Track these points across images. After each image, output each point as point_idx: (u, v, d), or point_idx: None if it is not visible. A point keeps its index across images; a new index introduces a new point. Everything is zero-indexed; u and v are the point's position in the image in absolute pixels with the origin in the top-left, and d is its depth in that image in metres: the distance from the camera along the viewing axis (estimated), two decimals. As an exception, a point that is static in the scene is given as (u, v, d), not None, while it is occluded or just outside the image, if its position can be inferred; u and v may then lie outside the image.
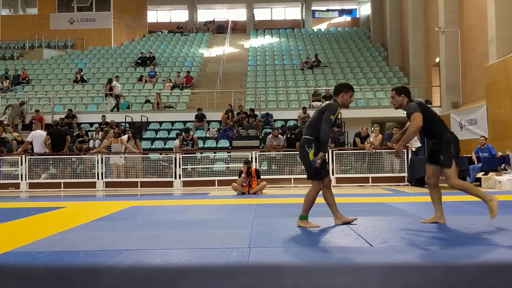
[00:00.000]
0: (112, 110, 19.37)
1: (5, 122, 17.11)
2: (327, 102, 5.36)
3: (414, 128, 5.06)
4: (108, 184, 13.27)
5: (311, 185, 5.22)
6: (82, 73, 22.85)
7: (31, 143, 13.82)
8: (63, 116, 17.99)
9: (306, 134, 5.15)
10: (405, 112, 5.26)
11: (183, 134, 14.42)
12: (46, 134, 13.74)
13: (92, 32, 29.48)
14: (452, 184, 5.06)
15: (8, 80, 22.38)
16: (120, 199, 9.59)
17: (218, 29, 33.90)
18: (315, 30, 31.60)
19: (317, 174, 5.05)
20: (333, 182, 12.86)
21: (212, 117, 18.71)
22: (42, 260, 3.62)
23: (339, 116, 5.34)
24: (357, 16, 35.22)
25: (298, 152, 5.37)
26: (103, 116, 18.00)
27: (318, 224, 5.07)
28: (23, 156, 13.42)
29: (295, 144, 13.04)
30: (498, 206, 4.97)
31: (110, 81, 20.22)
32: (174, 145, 15.17)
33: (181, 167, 13.31)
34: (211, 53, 27.52)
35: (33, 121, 17.50)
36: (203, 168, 13.84)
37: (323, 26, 34.21)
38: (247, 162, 10.46)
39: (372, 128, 14.53)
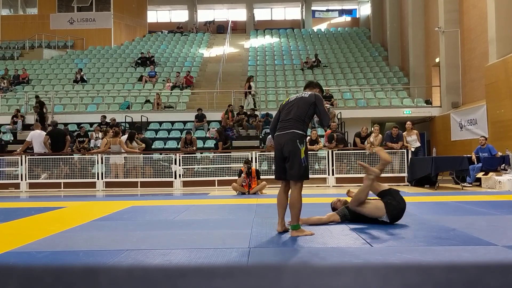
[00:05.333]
0: (248, 108, 18.91)
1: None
2: (309, 93, 4.78)
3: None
4: (108, 184, 13.27)
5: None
6: (82, 73, 22.85)
7: (30, 143, 13.82)
8: (62, 115, 17.99)
9: (297, 129, 4.51)
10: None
11: (185, 136, 14.56)
12: (46, 134, 13.73)
13: (92, 32, 29.48)
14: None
15: (5, 80, 22.33)
16: (120, 199, 9.58)
17: (218, 29, 33.88)
18: (315, 30, 31.59)
19: (307, 174, 4.59)
20: (333, 182, 12.86)
21: (212, 117, 18.71)
22: (42, 260, 3.62)
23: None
24: (357, 16, 35.22)
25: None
26: (103, 116, 18.00)
27: (313, 231, 4.57)
28: (23, 156, 13.41)
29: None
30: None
31: (249, 79, 20.08)
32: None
33: (181, 167, 13.34)
34: (211, 53, 27.51)
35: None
36: (203, 168, 13.86)
37: (323, 26, 34.21)
38: (247, 162, 10.45)
39: (372, 128, 14.50)
